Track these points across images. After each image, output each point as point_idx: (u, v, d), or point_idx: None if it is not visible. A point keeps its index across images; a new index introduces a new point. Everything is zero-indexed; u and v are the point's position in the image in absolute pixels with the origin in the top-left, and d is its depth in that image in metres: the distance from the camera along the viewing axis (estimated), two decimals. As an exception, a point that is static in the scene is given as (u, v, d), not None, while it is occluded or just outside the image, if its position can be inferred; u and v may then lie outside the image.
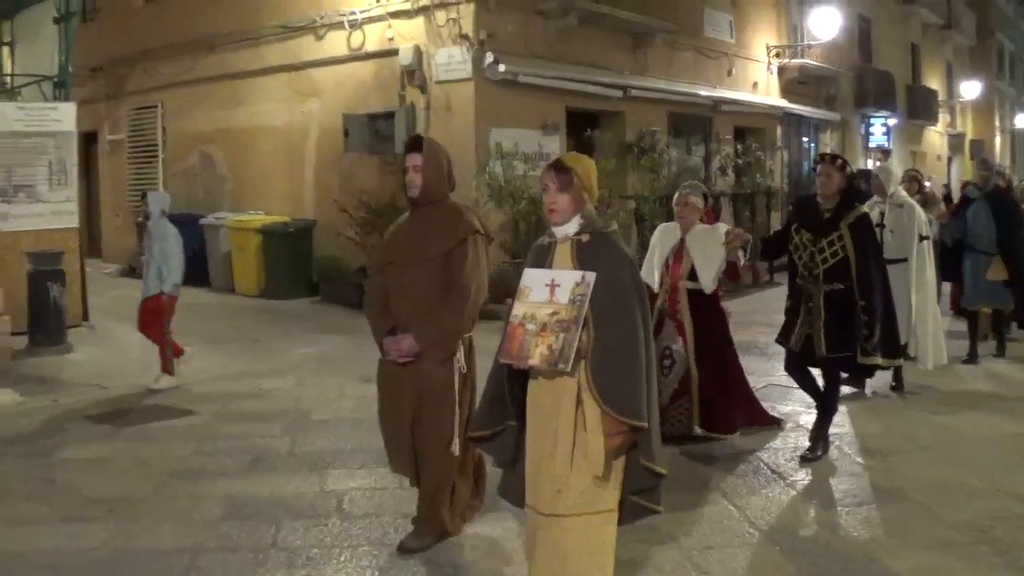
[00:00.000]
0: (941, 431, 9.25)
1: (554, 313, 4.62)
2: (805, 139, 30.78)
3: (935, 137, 45.36)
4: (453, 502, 6.48)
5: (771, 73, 28.10)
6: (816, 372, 8.57)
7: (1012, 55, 60.50)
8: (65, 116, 15.07)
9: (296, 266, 18.87)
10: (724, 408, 8.80)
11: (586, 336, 4.60)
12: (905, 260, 10.30)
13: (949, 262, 12.87)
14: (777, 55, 28.23)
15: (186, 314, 14.39)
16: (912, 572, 6.02)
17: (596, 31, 20.11)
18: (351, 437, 9.01)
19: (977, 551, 6.30)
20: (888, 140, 36.30)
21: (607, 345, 4.61)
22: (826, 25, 28.35)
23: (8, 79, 19.89)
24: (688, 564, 6.14)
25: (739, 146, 25.00)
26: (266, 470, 8.21)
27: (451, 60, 17.51)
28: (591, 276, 4.62)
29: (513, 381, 4.92)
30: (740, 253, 8.42)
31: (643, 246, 9.49)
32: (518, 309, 4.74)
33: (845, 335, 8.07)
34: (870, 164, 32.17)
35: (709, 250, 8.62)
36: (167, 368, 11.34)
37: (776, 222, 23.55)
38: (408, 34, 18.12)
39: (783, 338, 8.55)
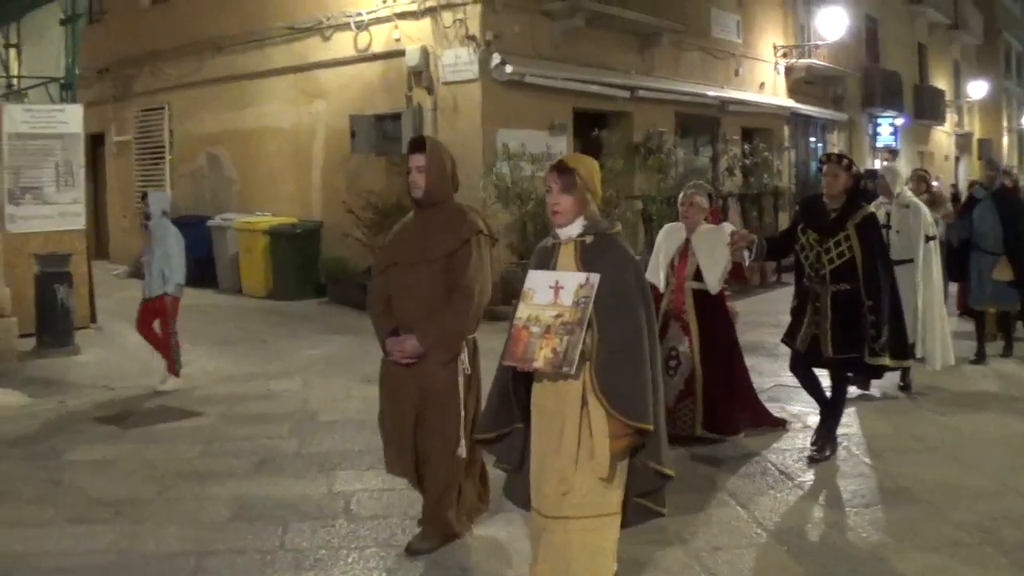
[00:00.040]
0: (949, 432, 9.23)
1: (558, 315, 4.61)
2: (812, 139, 30.76)
3: (942, 137, 45.31)
4: (460, 503, 6.47)
5: (778, 73, 28.09)
6: (822, 373, 8.55)
7: (1019, 55, 60.48)
8: (72, 118, 15.09)
9: (303, 267, 18.88)
10: (728, 409, 8.78)
11: (590, 338, 4.59)
12: (911, 261, 10.28)
13: (955, 262, 12.83)
14: (784, 55, 28.20)
15: (193, 315, 14.43)
16: (920, 573, 6.00)
17: (603, 32, 20.09)
18: (358, 438, 9.00)
19: (984, 552, 6.27)
20: (895, 140, 36.28)
21: (611, 347, 4.60)
22: (833, 25, 28.35)
23: (15, 81, 19.94)
24: (696, 565, 6.13)
25: (746, 146, 25.01)
26: (273, 471, 8.21)
27: (458, 61, 17.50)
28: (595, 278, 4.61)
29: (518, 383, 4.91)
30: (745, 253, 8.39)
31: (650, 247, 9.48)
32: (522, 311, 4.73)
33: (852, 336, 8.04)
34: (877, 164, 32.14)
35: (715, 250, 8.60)
36: (173, 369, 11.34)
37: (784, 222, 23.47)
38: (415, 35, 18.11)
39: (789, 338, 8.52)
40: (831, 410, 8.49)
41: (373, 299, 6.45)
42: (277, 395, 11.10)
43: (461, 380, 6.15)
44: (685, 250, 8.82)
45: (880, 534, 6.64)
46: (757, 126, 26.53)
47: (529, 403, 4.90)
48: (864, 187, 12.53)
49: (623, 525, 4.89)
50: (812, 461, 8.24)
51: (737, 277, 9.65)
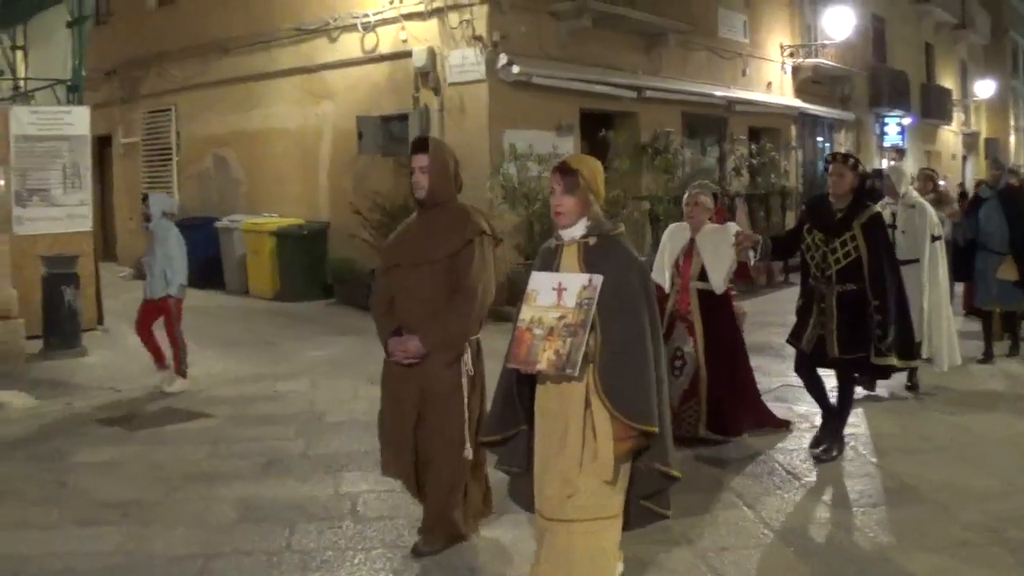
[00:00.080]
0: (956, 431, 9.21)
1: (561, 317, 4.60)
2: (820, 139, 30.71)
3: (950, 136, 45.24)
4: (466, 505, 6.46)
5: (785, 73, 28.06)
6: (829, 374, 8.53)
7: (1027, 54, 60.37)
8: (79, 120, 15.11)
9: (310, 268, 18.90)
10: (732, 410, 8.77)
11: (593, 340, 4.58)
12: (917, 261, 10.25)
13: (961, 262, 12.81)
14: (791, 55, 28.18)
15: (200, 316, 14.46)
16: (927, 573, 5.99)
17: (610, 32, 20.08)
18: (365, 439, 8.96)
19: (992, 552, 6.26)
20: (903, 139, 36.22)
21: (614, 348, 4.60)
22: (840, 25, 28.33)
23: (22, 83, 19.96)
24: (703, 565, 6.12)
25: (753, 146, 24.97)
26: (280, 473, 8.21)
27: (464, 62, 17.51)
28: (598, 279, 4.60)
29: (523, 385, 4.91)
30: (750, 253, 8.38)
31: (657, 247, 9.46)
32: (525, 313, 4.72)
33: (857, 335, 8.02)
34: (885, 164, 32.09)
35: (719, 250, 8.58)
36: (180, 371, 11.35)
37: (791, 222, 23.44)
38: (421, 36, 18.12)
39: (794, 339, 8.50)
40: (839, 411, 8.47)
41: (376, 300, 6.44)
42: (284, 396, 11.11)
43: (465, 381, 6.13)
44: (690, 250, 8.81)
45: (887, 534, 6.63)
46: (764, 126, 26.50)
47: (533, 405, 4.90)
48: (871, 186, 12.50)
49: (626, 528, 4.89)
50: (819, 461, 8.23)
51: (743, 277, 9.63)
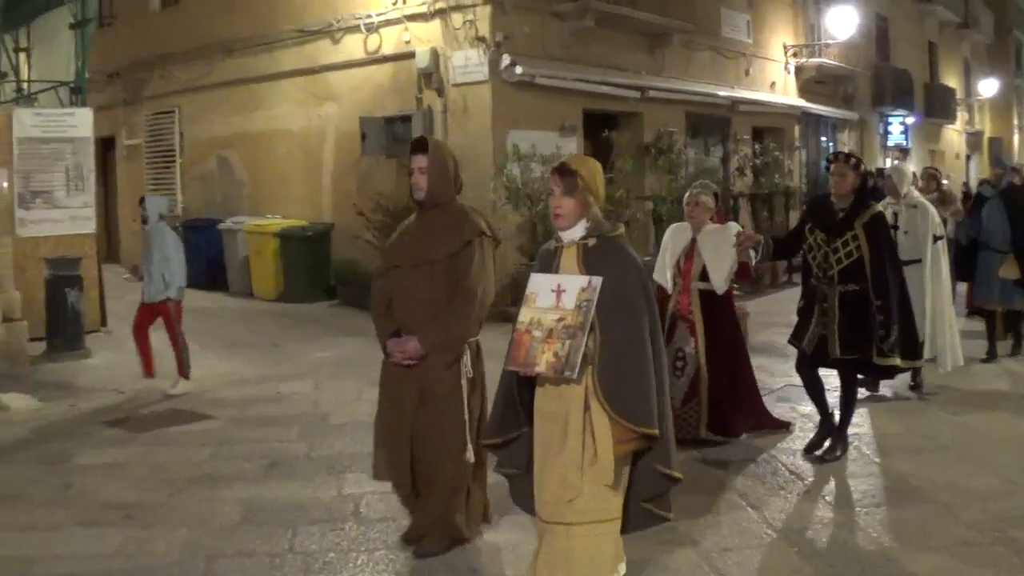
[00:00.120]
0: (960, 431, 9.20)
1: (560, 319, 4.59)
2: (823, 139, 30.67)
3: (953, 135, 45.21)
4: (468, 507, 6.45)
5: (788, 73, 28.05)
6: (831, 374, 8.52)
7: (1030, 52, 60.30)
8: (82, 122, 15.13)
9: (314, 270, 18.90)
10: (732, 410, 8.77)
11: (592, 342, 4.58)
12: (919, 261, 10.24)
13: (964, 261, 12.80)
14: (795, 54, 28.16)
15: (204, 318, 14.48)
16: (931, 573, 5.98)
17: (613, 32, 20.07)
18: (368, 441, 8.79)
19: (996, 552, 6.25)
20: (906, 139, 36.20)
21: (614, 350, 4.59)
22: (843, 24, 28.29)
23: (25, 85, 19.99)
24: (706, 566, 6.11)
25: (757, 146, 24.95)
26: (283, 475, 8.21)
27: (468, 62, 17.50)
28: (597, 281, 4.59)
29: (522, 387, 4.90)
30: (751, 253, 8.38)
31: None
32: (524, 315, 4.72)
33: (859, 335, 8.01)
34: (888, 163, 32.08)
35: (720, 250, 8.58)
36: (184, 372, 11.35)
37: (795, 222, 23.39)
38: (425, 37, 18.11)
39: (796, 339, 8.48)
40: (842, 411, 8.46)
41: (375, 301, 6.42)
42: (287, 398, 11.11)
43: (464, 383, 6.13)
44: (691, 250, 8.80)
45: (891, 534, 6.62)
46: (768, 126, 26.51)
47: (533, 407, 4.89)
48: (874, 186, 12.50)
49: (626, 530, 4.89)
50: (823, 461, 8.22)
51: (744, 277, 9.61)
